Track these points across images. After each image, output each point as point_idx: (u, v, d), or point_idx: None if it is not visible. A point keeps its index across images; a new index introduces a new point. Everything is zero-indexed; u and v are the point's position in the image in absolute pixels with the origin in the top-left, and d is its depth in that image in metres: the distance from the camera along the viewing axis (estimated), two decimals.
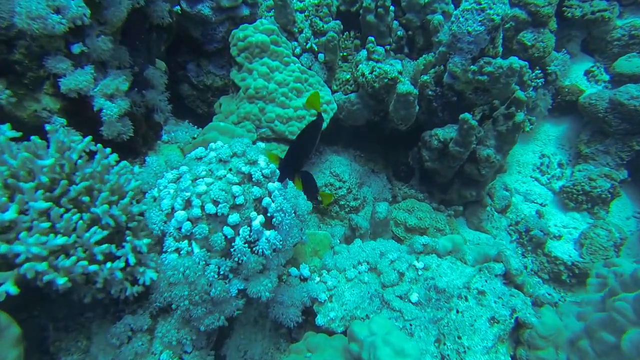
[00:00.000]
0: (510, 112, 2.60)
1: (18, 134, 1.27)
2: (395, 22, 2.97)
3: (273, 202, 1.42)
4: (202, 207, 1.31)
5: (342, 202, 2.93)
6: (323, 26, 2.69)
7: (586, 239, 2.97)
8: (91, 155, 1.37)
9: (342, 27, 2.71)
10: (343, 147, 3.12)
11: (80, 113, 1.48)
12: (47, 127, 1.24)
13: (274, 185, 1.43)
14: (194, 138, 2.06)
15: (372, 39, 2.59)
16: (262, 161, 1.45)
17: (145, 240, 1.28)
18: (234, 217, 1.32)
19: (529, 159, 3.64)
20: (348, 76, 2.78)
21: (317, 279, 1.98)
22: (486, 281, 1.78)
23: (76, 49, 1.41)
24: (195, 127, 2.22)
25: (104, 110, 1.48)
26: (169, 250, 1.32)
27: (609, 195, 3.18)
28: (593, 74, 3.54)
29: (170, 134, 2.02)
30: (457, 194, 2.99)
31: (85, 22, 1.38)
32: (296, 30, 2.76)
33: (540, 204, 3.44)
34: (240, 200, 1.33)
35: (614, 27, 3.44)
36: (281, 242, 1.45)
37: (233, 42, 2.60)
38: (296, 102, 2.60)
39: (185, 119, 3.04)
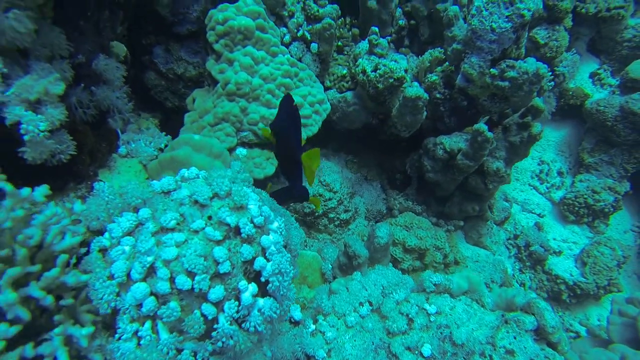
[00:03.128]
0: (526, 122, 2.31)
1: None
2: (398, 9, 2.58)
3: (268, 261, 1.05)
4: (172, 280, 0.92)
5: (332, 215, 2.59)
6: (318, 11, 2.27)
7: (589, 257, 2.79)
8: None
9: (340, 12, 2.30)
10: (333, 150, 2.75)
11: None
12: None
13: (269, 239, 1.06)
14: (161, 150, 1.63)
15: (376, 29, 2.20)
16: (252, 204, 1.07)
17: (86, 329, 0.88)
18: (216, 292, 0.94)
19: (527, 165, 3.41)
20: (344, 71, 2.39)
21: (313, 326, 1.65)
22: (515, 337, 1.49)
23: None
24: (164, 133, 1.78)
25: (24, 125, 1.04)
26: (124, 336, 0.93)
27: (611, 209, 3.00)
28: (599, 76, 3.31)
29: (129, 144, 1.58)
30: (458, 208, 2.71)
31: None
32: (286, 14, 2.32)
33: (539, 215, 3.23)
34: (225, 267, 0.95)
35: (626, 27, 3.20)
36: (278, 310, 1.09)
37: (210, 25, 2.13)
38: None
39: (152, 113, 2.58)
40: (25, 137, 1.04)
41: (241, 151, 2.12)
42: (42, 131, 1.06)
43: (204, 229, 0.98)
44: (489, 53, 2.04)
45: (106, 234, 1.11)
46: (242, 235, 1.00)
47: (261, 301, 1.05)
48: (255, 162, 2.16)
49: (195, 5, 2.26)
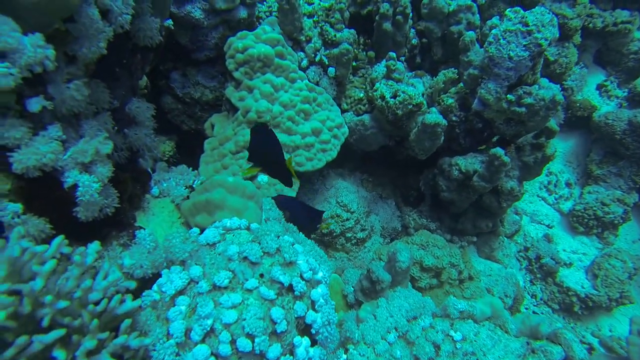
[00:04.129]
0: (540, 143, 2.35)
1: None
2: (411, 30, 2.61)
3: (317, 312, 1.09)
4: (233, 342, 0.95)
5: (349, 235, 2.63)
6: (335, 35, 2.29)
7: (600, 269, 2.85)
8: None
9: (356, 37, 2.32)
10: (349, 170, 2.78)
11: (43, 194, 1.05)
12: None
13: (318, 292, 1.10)
14: (191, 188, 1.65)
15: (394, 55, 2.23)
16: (301, 260, 1.10)
17: None
18: (274, 351, 0.98)
19: None
20: (361, 94, 2.42)
21: (344, 356, 1.69)
22: None
23: (34, 105, 0.97)
24: (191, 169, 1.81)
25: (80, 189, 1.06)
26: None
27: (621, 221, 3.06)
28: (606, 88, 3.36)
29: (161, 184, 1.60)
30: (472, 224, 2.75)
31: (49, 67, 0.95)
32: (303, 39, 2.34)
33: (547, 226, 3.29)
34: (282, 327, 0.99)
35: (632, 40, 3.25)
36: (326, 357, 1.13)
37: (230, 53, 2.16)
38: (303, 127, 2.22)
39: (168, 135, 2.60)
40: (81, 199, 1.07)
41: (262, 178, 2.16)
42: (96, 192, 1.09)
43: (258, 288, 1.02)
44: (505, 79, 2.08)
45: (155, 287, 1.15)
46: (295, 293, 1.04)
47: (312, 351, 1.09)
48: (277, 188, 2.19)
49: (214, 33, 2.28)
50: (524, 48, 1.96)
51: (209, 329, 0.96)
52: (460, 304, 1.80)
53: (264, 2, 2.47)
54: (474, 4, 2.43)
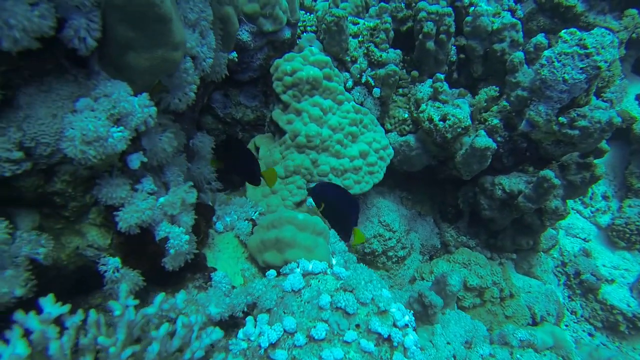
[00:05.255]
0: (589, 162, 2.32)
1: (65, 309, 0.85)
2: (453, 48, 2.58)
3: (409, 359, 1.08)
4: None
5: (391, 254, 2.62)
6: (381, 56, 2.27)
7: None
8: None
9: (402, 57, 2.30)
10: (389, 188, 2.77)
11: (139, 248, 1.05)
12: (115, 306, 0.82)
13: (411, 340, 1.09)
14: (251, 220, 1.65)
15: (441, 76, 2.21)
16: (394, 309, 1.09)
17: None
18: None
19: None
20: (406, 115, 2.40)
21: None
22: None
23: (135, 162, 0.96)
24: (249, 200, 1.80)
25: (172, 241, 1.06)
26: None
27: None
28: None
29: (224, 219, 1.59)
30: (511, 241, 2.73)
31: (150, 125, 0.94)
32: (349, 59, 2.32)
33: (584, 239, 3.25)
34: None
35: None
36: None
37: (277, 76, 2.15)
38: (352, 149, 2.21)
39: None
40: (171, 251, 1.07)
41: (311, 202, 2.15)
42: (186, 243, 1.09)
43: (357, 340, 1.01)
44: (558, 102, 2.05)
45: (241, 335, 1.15)
46: (394, 343, 1.03)
47: None
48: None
49: (259, 54, 2.26)
50: (580, 71, 1.93)
51: None
52: (521, 332, 1.78)
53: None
54: (519, 22, 2.39)
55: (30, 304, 0.85)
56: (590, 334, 2.88)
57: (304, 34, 2.80)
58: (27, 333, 0.81)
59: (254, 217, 1.68)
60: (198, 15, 1.02)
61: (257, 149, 2.34)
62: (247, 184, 2.22)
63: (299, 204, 2.15)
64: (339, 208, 1.45)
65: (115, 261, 1.00)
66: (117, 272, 1.00)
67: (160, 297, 0.96)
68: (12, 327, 0.79)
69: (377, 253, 2.57)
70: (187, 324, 0.92)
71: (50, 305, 0.84)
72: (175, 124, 1.17)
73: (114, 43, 0.83)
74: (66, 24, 0.74)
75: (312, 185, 2.14)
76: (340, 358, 0.98)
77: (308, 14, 2.99)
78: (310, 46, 2.37)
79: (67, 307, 0.86)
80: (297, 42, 2.51)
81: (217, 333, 0.98)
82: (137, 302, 0.94)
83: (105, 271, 0.99)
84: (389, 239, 2.56)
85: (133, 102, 0.87)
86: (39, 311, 0.83)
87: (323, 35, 2.39)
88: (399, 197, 2.79)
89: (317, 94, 2.17)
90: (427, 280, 2.58)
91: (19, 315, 0.79)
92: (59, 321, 0.85)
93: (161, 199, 1.05)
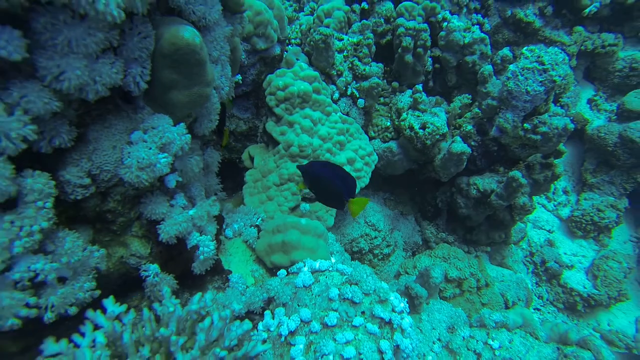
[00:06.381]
0: (550, 162, 2.61)
1: (123, 308, 1.00)
2: (429, 60, 2.83)
3: (406, 338, 1.29)
4: None
5: (377, 251, 2.83)
6: (365, 69, 2.48)
7: (599, 270, 3.16)
8: None
9: (384, 69, 2.52)
10: (373, 190, 2.98)
11: (175, 255, 1.20)
12: (159, 307, 0.98)
13: (407, 322, 1.29)
14: (256, 226, 1.81)
15: (420, 87, 2.44)
16: (392, 297, 1.29)
17: None
18: None
19: None
20: (388, 123, 2.62)
21: None
22: None
23: (172, 182, 1.12)
24: (252, 208, 1.96)
25: (201, 248, 1.22)
26: None
27: (614, 224, 3.38)
28: (596, 102, 3.67)
29: (232, 226, 1.75)
30: (486, 235, 3.00)
31: (186, 150, 1.10)
32: (335, 73, 2.52)
33: (548, 231, 3.58)
34: (389, 356, 1.18)
35: (617, 59, 3.56)
36: None
37: (270, 91, 2.31)
38: (340, 157, 2.40)
39: None
40: (201, 257, 1.23)
41: (305, 206, 2.33)
42: (212, 250, 1.25)
43: (364, 325, 1.20)
44: (522, 110, 2.32)
45: (261, 327, 1.32)
46: (394, 325, 1.23)
47: None
48: (318, 215, 2.37)
49: (252, 70, 2.42)
50: (540, 84, 2.20)
51: None
52: (495, 315, 2.03)
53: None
54: (487, 37, 2.65)
55: (92, 305, 1.00)
56: (554, 316, 3.20)
57: (289, 46, 2.99)
58: (96, 327, 0.96)
59: (258, 224, 1.84)
60: (220, 52, 1.19)
61: (252, 158, 2.50)
62: (244, 191, 2.38)
63: (293, 209, 2.33)
64: (326, 183, 1.48)
65: (155, 267, 1.15)
66: (156, 276, 1.16)
67: (197, 296, 1.12)
68: (85, 322, 0.94)
69: (364, 251, 2.78)
70: (224, 317, 1.09)
71: (111, 305, 0.99)
72: (201, 147, 1.33)
73: (158, 83, 0.99)
74: (127, 72, 0.89)
75: (305, 191, 2.34)
76: (351, 339, 1.17)
77: (290, 25, 3.18)
78: (297, 59, 2.56)
79: (124, 307, 1.01)
80: (284, 55, 2.68)
81: (247, 324, 1.15)
82: (178, 301, 1.10)
83: (147, 276, 1.14)
84: (375, 237, 2.77)
85: (174, 132, 1.02)
86: (103, 310, 0.98)
87: (308, 48, 2.58)
88: (383, 199, 3.01)
89: (307, 107, 2.35)
90: (411, 275, 2.81)
91: (90, 313, 0.94)
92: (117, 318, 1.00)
93: (191, 212, 1.21)
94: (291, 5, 3.83)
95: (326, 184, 1.48)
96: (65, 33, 0.71)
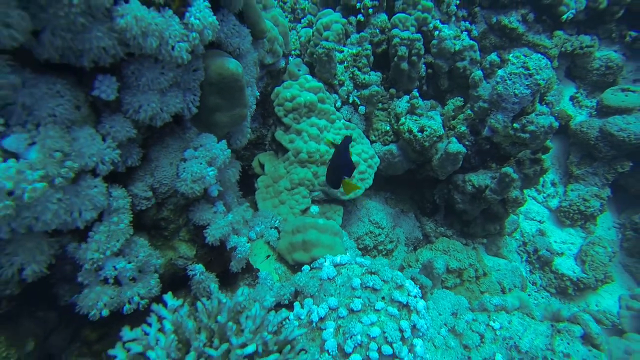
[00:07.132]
0: (538, 158, 2.83)
1: (180, 302, 1.17)
2: (423, 66, 3.03)
3: (421, 319, 1.47)
4: (379, 350, 1.32)
5: (381, 247, 3.02)
6: (364, 78, 2.67)
7: (587, 256, 3.39)
8: None
9: (382, 77, 2.71)
10: (375, 190, 3.17)
11: (217, 255, 1.37)
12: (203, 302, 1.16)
13: (422, 305, 1.47)
14: (275, 228, 1.99)
15: (416, 93, 2.63)
16: (407, 283, 1.48)
17: None
18: (404, 351, 1.35)
19: None
20: (387, 127, 2.81)
21: None
22: (569, 343, 2.00)
23: (214, 191, 1.28)
24: (270, 214, 2.13)
25: (239, 248, 1.39)
26: None
27: (599, 212, 3.62)
28: (577, 99, 3.91)
29: (254, 229, 1.93)
30: (482, 228, 3.21)
31: (227, 163, 1.27)
32: (337, 83, 2.70)
33: (539, 221, 3.81)
34: (408, 333, 1.36)
35: (594, 59, 3.81)
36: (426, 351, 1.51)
37: (278, 102, 2.49)
38: None
39: None
40: (238, 257, 1.40)
41: (314, 209, 2.51)
42: (247, 251, 1.42)
43: (385, 308, 1.39)
44: (511, 111, 2.53)
45: (292, 316, 1.50)
46: (410, 307, 1.41)
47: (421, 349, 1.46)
48: (327, 215, 2.55)
49: (260, 83, 2.59)
50: (526, 87, 2.41)
51: (360, 342, 1.32)
52: (495, 299, 2.23)
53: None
54: (476, 43, 2.87)
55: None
56: (547, 301, 3.42)
57: (290, 58, 3.17)
58: (159, 319, 1.13)
59: (277, 225, 2.01)
60: (250, 75, 1.36)
61: (262, 165, 2.67)
62: (256, 196, 2.55)
63: (304, 211, 2.51)
64: (337, 160, 1.90)
65: (200, 267, 1.32)
66: (202, 275, 1.32)
67: (240, 290, 1.29)
68: (151, 314, 1.11)
69: (369, 248, 2.97)
70: (265, 307, 1.26)
71: (171, 299, 1.16)
72: (235, 159, 1.51)
73: (205, 107, 1.16)
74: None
75: (314, 194, 2.52)
76: (375, 321, 1.35)
77: None
78: (299, 70, 2.74)
79: (181, 301, 1.18)
80: (287, 66, 2.86)
81: (284, 312, 1.32)
82: (224, 294, 1.27)
83: (194, 275, 1.31)
84: (379, 234, 2.96)
85: (218, 148, 1.20)
86: (164, 304, 1.15)
87: (308, 58, 2.76)
88: (384, 198, 3.20)
89: (313, 115, 2.53)
90: (414, 268, 3.00)
91: (154, 306, 1.11)
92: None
93: (229, 217, 1.38)
94: (286, 17, 4.01)
95: (337, 160, 1.92)
96: (146, 75, 0.87)
